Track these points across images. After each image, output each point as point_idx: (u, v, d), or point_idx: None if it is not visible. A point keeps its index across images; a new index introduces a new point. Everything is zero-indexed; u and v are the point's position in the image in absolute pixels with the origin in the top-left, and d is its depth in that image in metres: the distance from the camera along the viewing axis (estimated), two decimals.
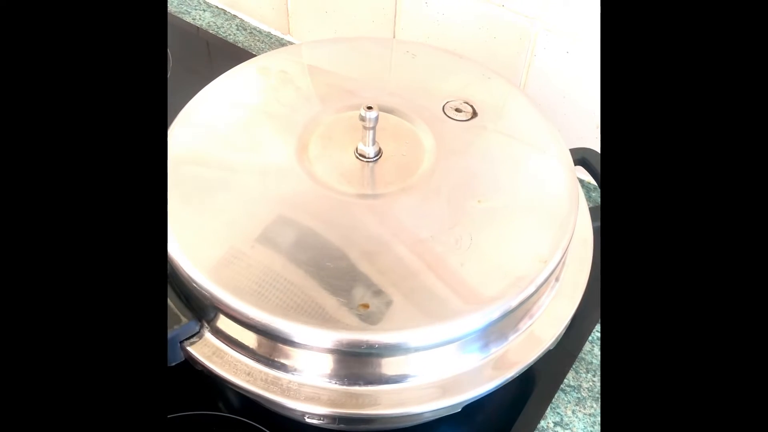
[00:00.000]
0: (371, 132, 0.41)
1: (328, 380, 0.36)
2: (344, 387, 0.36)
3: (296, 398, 0.36)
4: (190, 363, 0.38)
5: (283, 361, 0.36)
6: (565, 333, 0.40)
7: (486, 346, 0.37)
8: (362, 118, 0.40)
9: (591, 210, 0.46)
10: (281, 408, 0.37)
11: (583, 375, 0.48)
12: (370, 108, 0.40)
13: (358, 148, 0.42)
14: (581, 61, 0.56)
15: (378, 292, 0.35)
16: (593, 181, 0.61)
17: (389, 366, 0.36)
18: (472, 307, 0.35)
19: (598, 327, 0.51)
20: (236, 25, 0.79)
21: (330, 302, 0.35)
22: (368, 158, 0.42)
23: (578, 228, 0.41)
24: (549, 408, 0.46)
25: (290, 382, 0.36)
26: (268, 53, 0.52)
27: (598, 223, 0.46)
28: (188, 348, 0.37)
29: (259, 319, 0.35)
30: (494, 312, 0.35)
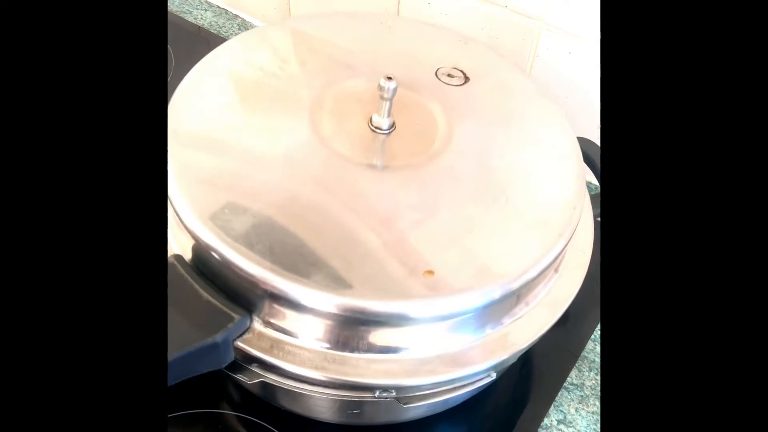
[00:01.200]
0: (388, 103, 0.40)
1: (394, 355, 0.35)
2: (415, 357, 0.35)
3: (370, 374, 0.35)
4: (241, 362, 0.36)
5: (353, 338, 0.35)
6: (566, 331, 0.40)
7: (482, 326, 0.37)
8: (381, 88, 0.39)
9: (592, 197, 0.46)
10: (357, 386, 0.36)
11: (586, 373, 0.48)
12: (389, 78, 0.39)
13: (373, 119, 0.41)
14: (583, 62, 0.56)
15: (437, 259, 0.35)
16: (594, 181, 0.62)
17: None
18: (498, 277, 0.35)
19: (599, 326, 0.51)
20: (238, 25, 0.79)
21: (399, 272, 0.34)
22: (383, 130, 0.41)
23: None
24: (552, 406, 0.46)
25: (359, 359, 0.35)
26: (260, 28, 0.50)
27: (599, 210, 0.46)
28: (241, 345, 0.35)
29: (328, 300, 0.33)
30: (495, 291, 0.35)
